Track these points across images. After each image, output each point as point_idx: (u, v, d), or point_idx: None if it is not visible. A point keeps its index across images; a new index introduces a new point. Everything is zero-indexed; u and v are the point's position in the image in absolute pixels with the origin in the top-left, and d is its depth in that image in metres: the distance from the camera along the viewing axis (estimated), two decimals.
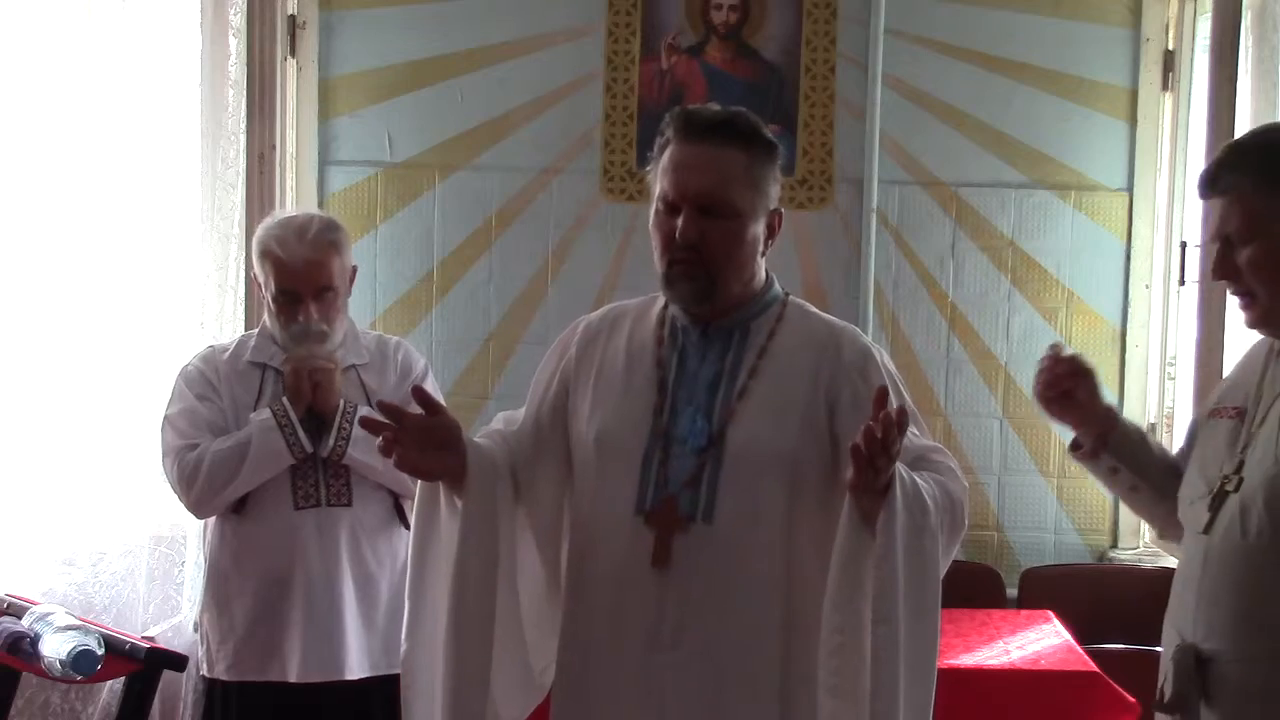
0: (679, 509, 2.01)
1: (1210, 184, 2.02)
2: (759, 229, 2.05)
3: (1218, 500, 2.01)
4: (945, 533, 1.94)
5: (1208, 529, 2.01)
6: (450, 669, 2.01)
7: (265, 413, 2.69)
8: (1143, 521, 4.24)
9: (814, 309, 2.16)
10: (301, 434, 2.68)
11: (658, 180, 2.05)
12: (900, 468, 1.87)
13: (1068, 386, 2.21)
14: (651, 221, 2.06)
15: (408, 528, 2.81)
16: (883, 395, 1.84)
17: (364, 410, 2.72)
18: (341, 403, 2.72)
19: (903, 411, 1.81)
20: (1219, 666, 1.98)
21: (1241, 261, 1.99)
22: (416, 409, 2.00)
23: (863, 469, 1.81)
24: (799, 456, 2.02)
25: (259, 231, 2.77)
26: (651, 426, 2.06)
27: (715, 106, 2.07)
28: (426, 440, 1.98)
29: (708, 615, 2.01)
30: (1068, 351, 2.23)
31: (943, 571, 1.96)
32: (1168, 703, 2.04)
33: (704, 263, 2.01)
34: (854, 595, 1.89)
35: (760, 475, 2.01)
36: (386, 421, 1.95)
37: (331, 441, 2.70)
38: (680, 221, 2.00)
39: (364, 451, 2.69)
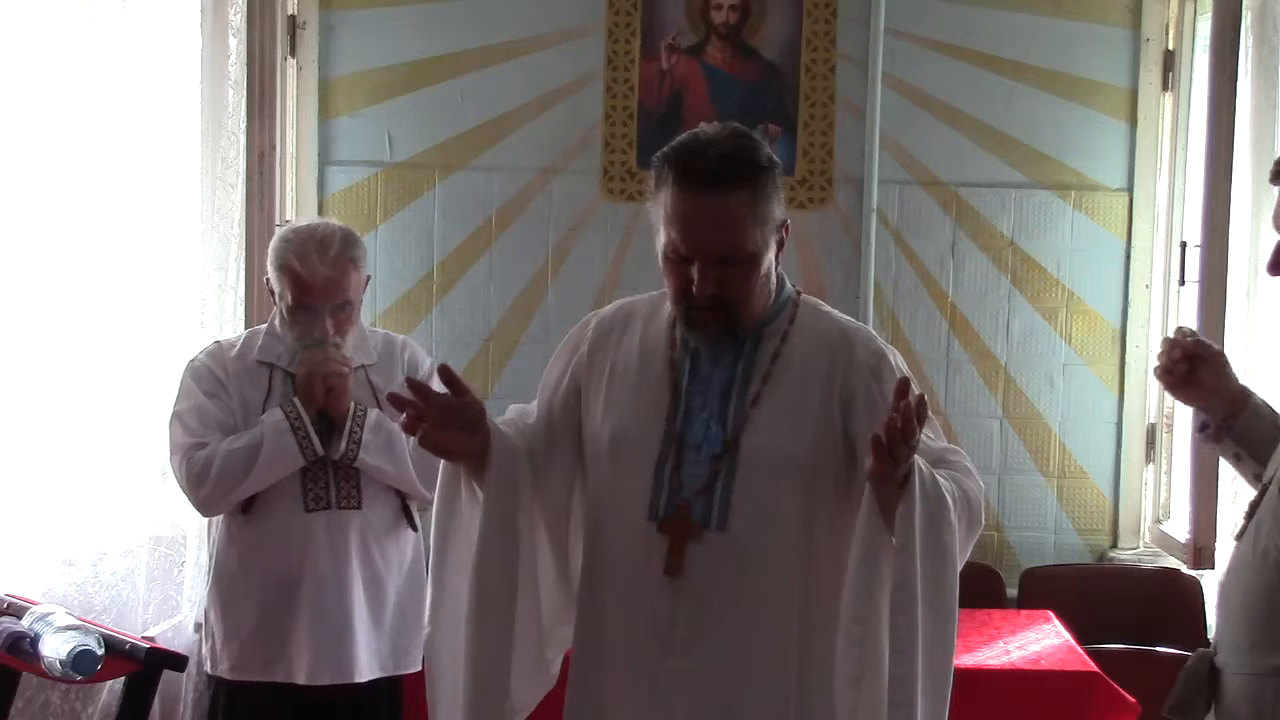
0: (692, 516, 2.00)
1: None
2: (771, 253, 2.02)
3: (1253, 509, 1.99)
4: (963, 528, 1.93)
5: (1239, 536, 2.00)
6: (472, 650, 2.01)
7: (277, 413, 2.69)
8: (1143, 521, 4.25)
9: (826, 307, 2.14)
10: (313, 436, 2.69)
11: (660, 222, 1.99)
12: (919, 461, 1.86)
13: (1183, 371, 2.16)
14: (661, 263, 2.01)
15: (415, 529, 2.84)
16: (904, 386, 1.83)
17: (373, 414, 2.73)
18: (352, 405, 2.72)
19: (922, 401, 1.80)
20: (1225, 676, 1.97)
21: None
22: (442, 389, 2.00)
23: (883, 458, 1.79)
24: (814, 463, 2.01)
25: (277, 242, 2.75)
26: (664, 430, 2.05)
27: (709, 133, 1.98)
28: (451, 420, 1.97)
29: (721, 623, 2.00)
30: (1190, 336, 2.18)
31: (960, 565, 1.95)
32: (1170, 706, 2.04)
33: (724, 307, 1.99)
34: (873, 587, 1.89)
35: (775, 482, 2.00)
36: (413, 399, 1.94)
37: (343, 445, 2.70)
38: (695, 276, 1.96)
39: (374, 455, 2.71)
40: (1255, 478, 2.19)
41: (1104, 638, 3.53)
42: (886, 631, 1.85)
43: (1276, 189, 1.99)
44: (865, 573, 1.89)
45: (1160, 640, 3.55)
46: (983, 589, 3.95)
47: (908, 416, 1.77)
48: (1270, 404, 2.23)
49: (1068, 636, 3.48)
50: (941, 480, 1.91)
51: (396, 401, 1.96)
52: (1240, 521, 2.01)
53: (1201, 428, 2.24)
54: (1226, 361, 2.19)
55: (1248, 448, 2.17)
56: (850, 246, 4.19)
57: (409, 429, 1.96)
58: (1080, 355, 4.22)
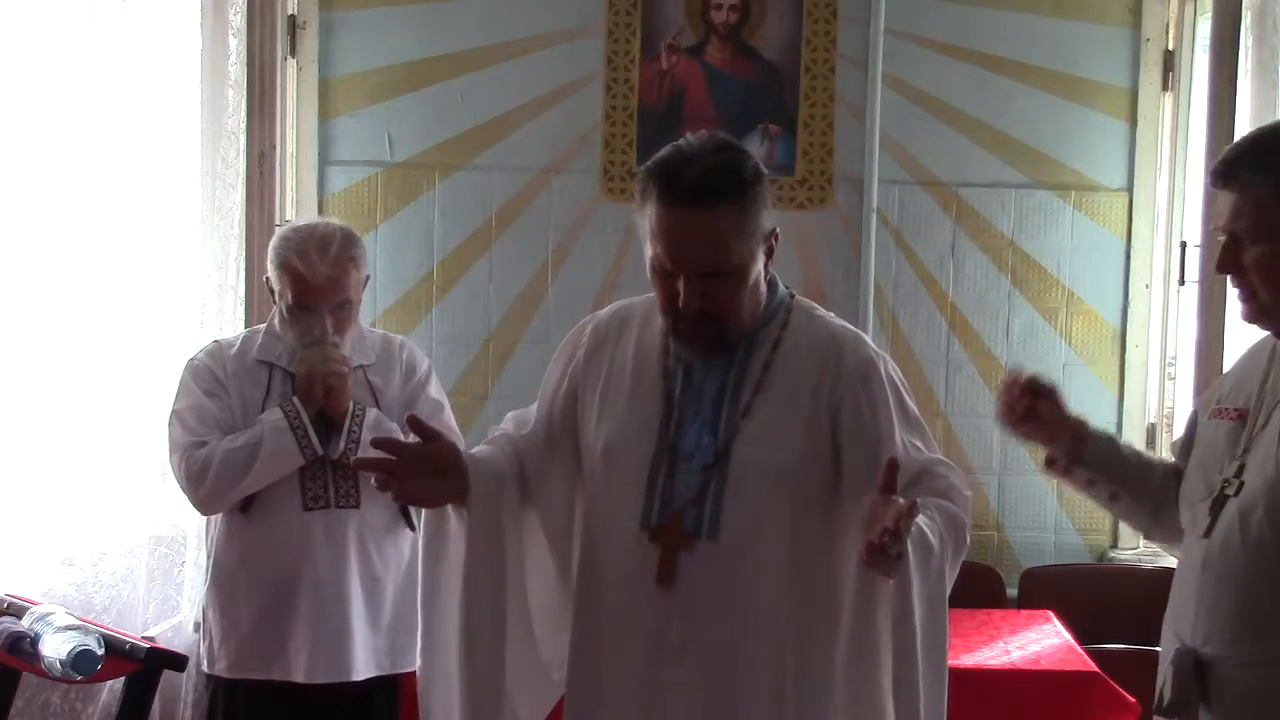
0: (684, 526, 2.01)
1: (1225, 176, 1.97)
2: (759, 264, 2.01)
3: (1218, 504, 1.99)
4: (950, 559, 1.94)
5: (1208, 533, 2.00)
6: (465, 686, 2.02)
7: (277, 413, 2.70)
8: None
9: (820, 311, 2.14)
10: (313, 435, 2.69)
11: (648, 237, 1.98)
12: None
13: (1025, 406, 2.17)
14: (649, 273, 2.01)
15: (413, 529, 2.84)
16: (892, 468, 1.82)
17: (372, 414, 2.74)
18: (351, 405, 2.73)
19: (914, 505, 1.79)
20: (1218, 670, 1.97)
21: (1248, 260, 1.95)
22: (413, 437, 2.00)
23: (876, 555, 1.79)
24: (803, 472, 2.01)
25: (277, 241, 2.76)
26: (657, 440, 2.04)
27: (694, 146, 1.96)
28: (425, 468, 1.98)
29: (713, 631, 2.00)
30: (1026, 374, 2.19)
31: (949, 588, 1.96)
32: (1167, 706, 2.04)
33: (712, 320, 1.98)
34: (868, 649, 1.91)
35: (765, 492, 2.00)
36: (384, 457, 1.95)
37: (342, 444, 2.71)
38: (681, 289, 1.95)
39: (373, 454, 2.71)
40: (1111, 498, 2.23)
41: (1104, 638, 3.53)
42: (883, 691, 1.87)
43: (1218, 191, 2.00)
44: (860, 635, 1.91)
45: (1160, 640, 3.54)
46: (983, 589, 3.95)
47: (897, 520, 1.75)
48: (1104, 428, 2.26)
49: (1068, 636, 3.48)
50: (926, 524, 1.89)
51: (363, 465, 1.96)
52: (1204, 519, 2.01)
53: (1049, 463, 2.25)
54: (1061, 394, 2.20)
55: (1100, 472, 2.20)
56: (850, 246, 4.19)
57: (381, 488, 1.96)
58: (1080, 355, 4.22)
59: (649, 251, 1.99)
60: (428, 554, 2.11)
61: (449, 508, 2.06)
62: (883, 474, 1.82)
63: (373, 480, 1.97)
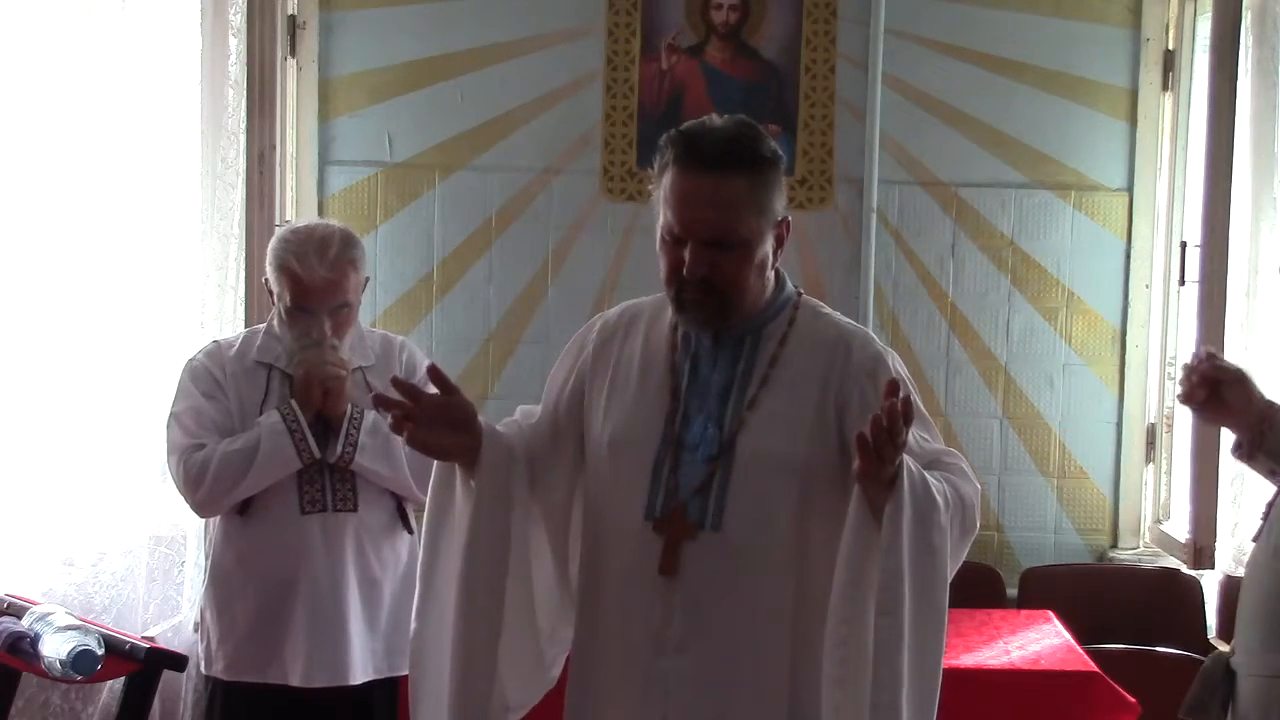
0: (688, 516, 2.01)
1: None
2: (767, 246, 2.03)
3: (1269, 508, 1.99)
4: (956, 532, 1.94)
5: (1257, 537, 1.99)
6: (458, 649, 2.03)
7: (274, 416, 2.69)
8: (1143, 521, 4.25)
9: (827, 309, 2.15)
10: (310, 439, 2.68)
11: (660, 204, 2.01)
12: (909, 461, 1.86)
13: (1203, 396, 2.15)
14: (658, 244, 2.03)
15: (410, 531, 2.84)
16: (893, 386, 1.83)
17: (370, 416, 2.73)
18: (349, 408, 2.72)
19: (908, 401, 1.81)
20: (1239, 679, 1.97)
21: None
22: (433, 389, 2.01)
23: (869, 458, 1.80)
24: (809, 466, 2.01)
25: (276, 243, 2.75)
26: (663, 433, 2.06)
27: (716, 121, 2.02)
28: (441, 420, 1.99)
29: (715, 623, 2.01)
30: (1208, 360, 2.16)
31: (954, 571, 1.96)
32: (1185, 707, 2.03)
33: (715, 291, 2.00)
34: (861, 587, 1.89)
35: (769, 484, 2.01)
36: (401, 399, 1.96)
37: (339, 448, 2.71)
38: (687, 256, 1.97)
39: (370, 458, 2.71)
40: None
41: (1104, 638, 3.53)
42: (872, 632, 1.86)
43: None
44: (853, 573, 1.89)
45: (1160, 640, 3.55)
46: (983, 589, 3.95)
47: (893, 416, 1.78)
48: None
49: (1068, 636, 3.48)
50: (933, 481, 1.92)
51: (383, 403, 1.97)
52: (1257, 523, 2.00)
53: (1236, 447, 2.22)
54: (1249, 379, 2.16)
55: None
56: (850, 246, 4.19)
57: (395, 429, 1.98)
58: (1080, 355, 4.22)
59: (660, 220, 2.01)
60: (432, 516, 2.11)
61: (457, 472, 2.07)
62: (883, 393, 1.83)
63: (388, 419, 1.97)
